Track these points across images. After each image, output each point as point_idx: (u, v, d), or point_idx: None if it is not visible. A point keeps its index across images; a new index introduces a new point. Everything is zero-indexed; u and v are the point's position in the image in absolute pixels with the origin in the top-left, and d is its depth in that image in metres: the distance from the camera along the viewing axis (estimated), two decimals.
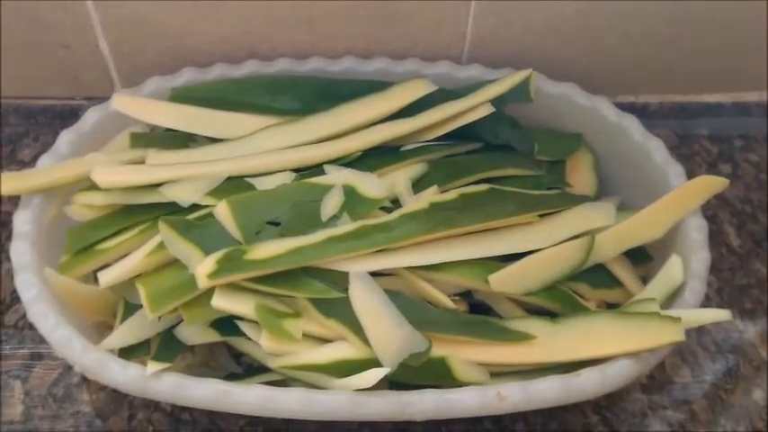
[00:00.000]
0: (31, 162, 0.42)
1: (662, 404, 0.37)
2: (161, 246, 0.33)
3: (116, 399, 0.36)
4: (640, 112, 0.41)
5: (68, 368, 0.37)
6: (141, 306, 0.32)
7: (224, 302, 0.31)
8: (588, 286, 0.36)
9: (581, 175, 0.40)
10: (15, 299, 0.39)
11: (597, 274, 0.36)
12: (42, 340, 0.36)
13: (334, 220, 0.33)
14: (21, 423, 0.36)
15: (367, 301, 0.32)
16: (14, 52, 0.42)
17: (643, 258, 0.37)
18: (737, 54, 0.44)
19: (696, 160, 0.46)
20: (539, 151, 0.39)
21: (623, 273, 0.36)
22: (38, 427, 0.35)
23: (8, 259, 0.39)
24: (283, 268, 0.31)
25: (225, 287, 0.31)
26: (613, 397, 0.37)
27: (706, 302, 0.40)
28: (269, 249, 0.32)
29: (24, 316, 0.38)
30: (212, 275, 0.31)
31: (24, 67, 0.43)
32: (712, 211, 0.44)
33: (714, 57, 0.44)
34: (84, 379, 0.37)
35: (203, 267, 0.31)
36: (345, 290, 0.32)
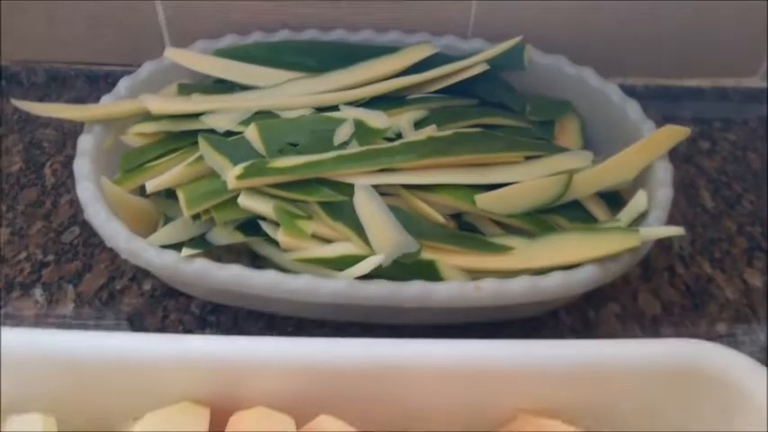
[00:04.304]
0: None
1: (633, 333, 0.41)
2: (198, 159, 0.39)
3: (152, 303, 0.42)
4: (628, 93, 0.46)
5: (112, 278, 0.43)
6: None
7: (249, 202, 0.37)
8: (565, 220, 0.40)
9: (568, 138, 0.45)
10: (71, 222, 0.46)
11: (574, 210, 0.41)
12: (91, 254, 0.43)
13: (344, 145, 0.39)
14: (72, 318, 0.41)
15: (369, 207, 0.37)
16: (84, 22, 0.50)
17: (617, 202, 0.42)
18: (717, 43, 0.50)
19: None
20: (530, 111, 0.45)
21: (597, 210, 0.41)
22: (86, 323, 0.41)
23: (67, 191, 0.46)
24: (299, 177, 0.37)
25: (249, 191, 0.37)
26: None
27: (677, 255, 0.45)
28: (288, 162, 0.38)
29: (79, 235, 0.45)
30: (240, 177, 0.37)
31: (91, 36, 0.51)
32: (691, 179, 0.49)
33: (696, 44, 0.50)
34: (126, 287, 0.43)
35: (233, 172, 0.37)
36: (351, 198, 0.37)
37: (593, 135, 0.46)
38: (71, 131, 0.51)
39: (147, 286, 0.43)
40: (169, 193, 0.41)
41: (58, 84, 0.53)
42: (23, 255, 0.44)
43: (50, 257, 0.44)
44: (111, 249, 0.42)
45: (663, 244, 0.45)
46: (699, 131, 0.51)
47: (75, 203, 0.46)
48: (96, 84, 0.53)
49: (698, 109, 0.52)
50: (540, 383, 0.33)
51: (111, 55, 0.52)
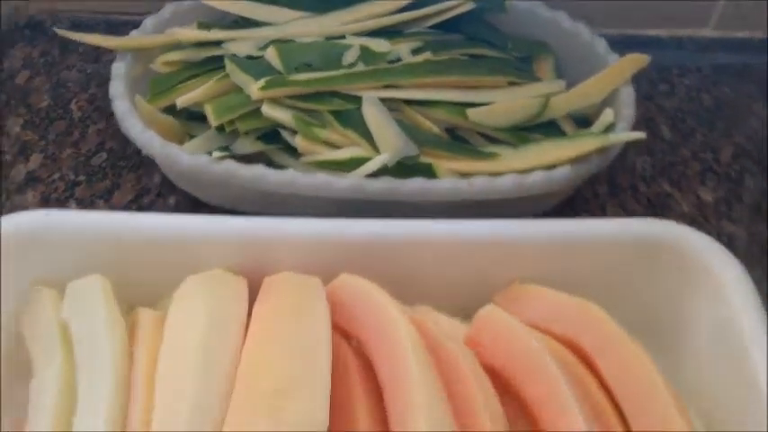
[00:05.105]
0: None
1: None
2: (222, 79, 0.44)
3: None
4: None
5: (140, 194, 0.48)
6: None
7: (271, 111, 0.42)
8: (543, 137, 0.46)
9: (544, 72, 0.51)
10: (99, 149, 0.50)
11: (551, 129, 0.47)
12: (119, 175, 0.47)
13: (351, 66, 0.45)
14: None
15: (376, 116, 0.43)
16: None
17: (587, 126, 0.48)
18: None
19: (641, 82, 0.57)
20: (511, 48, 0.51)
21: (570, 129, 0.47)
22: None
23: (94, 123, 0.51)
24: (315, 90, 0.43)
25: (270, 102, 0.43)
26: None
27: (640, 176, 0.51)
28: (304, 77, 0.43)
29: (106, 159, 0.50)
30: (263, 89, 0.42)
31: None
32: (651, 115, 0.55)
33: None
34: (152, 201, 0.48)
35: (257, 84, 0.42)
36: (359, 110, 0.43)
37: (566, 71, 0.52)
38: (94, 73, 0.55)
39: (171, 201, 0.48)
40: (191, 116, 0.46)
41: (81, 31, 0.58)
42: (57, 175, 0.49)
43: (82, 178, 0.49)
44: (137, 170, 0.48)
45: (627, 166, 0.51)
46: (658, 76, 0.58)
47: (101, 133, 0.51)
48: (116, 31, 0.57)
49: (657, 57, 0.58)
50: (528, 256, 0.38)
51: (131, 4, 0.57)
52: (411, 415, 0.29)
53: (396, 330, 0.31)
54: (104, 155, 0.50)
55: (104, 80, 0.53)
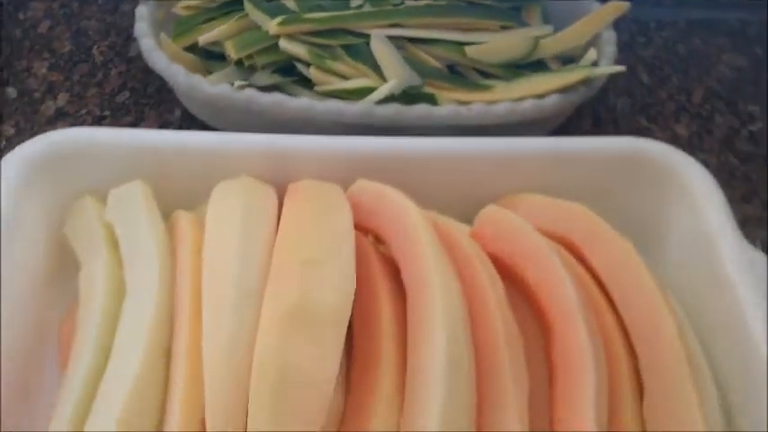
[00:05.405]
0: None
1: None
2: (241, 18, 0.48)
3: None
4: None
5: (162, 126, 0.52)
6: None
7: (287, 45, 0.46)
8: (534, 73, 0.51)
9: (533, 22, 0.56)
10: (122, 88, 0.54)
11: (540, 68, 0.51)
12: (142, 111, 0.51)
13: (360, 6, 0.49)
14: None
15: (383, 50, 0.47)
16: None
17: None
18: None
19: (622, 35, 0.62)
20: None
21: (557, 67, 0.51)
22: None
23: (115, 66, 0.55)
24: (327, 27, 0.47)
25: (287, 37, 0.47)
26: None
27: (620, 114, 0.55)
28: (317, 15, 0.47)
29: (129, 97, 0.54)
30: (280, 24, 0.46)
31: None
32: (631, 62, 0.60)
33: None
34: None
35: (275, 20, 0.46)
36: (367, 44, 0.47)
37: (552, 20, 0.56)
38: (113, 23, 0.59)
39: None
40: (209, 55, 0.50)
41: None
42: (84, 111, 0.52)
43: (107, 113, 0.52)
44: (158, 107, 0.52)
45: (609, 105, 0.56)
46: (637, 30, 0.62)
47: (123, 75, 0.55)
48: None
49: (637, 12, 0.63)
50: (523, 170, 0.42)
51: None
52: (428, 293, 0.33)
53: (411, 222, 0.35)
54: (127, 93, 0.54)
55: (123, 29, 0.58)
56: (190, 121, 0.51)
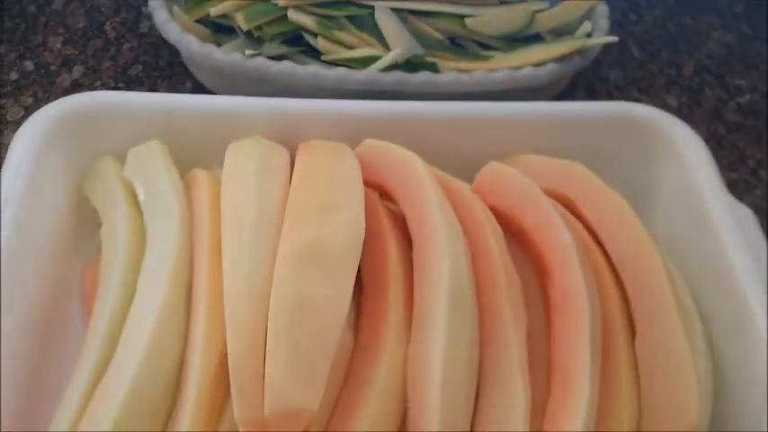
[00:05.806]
0: None
1: None
2: None
3: None
4: None
5: None
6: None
7: (295, 16, 0.49)
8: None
9: None
10: (134, 62, 0.56)
11: (537, 41, 0.53)
12: (155, 83, 0.53)
13: None
14: None
15: (387, 21, 0.49)
16: None
17: None
18: None
19: (615, 13, 0.64)
20: None
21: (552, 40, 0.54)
22: None
23: (128, 41, 0.57)
24: None
25: (295, 8, 0.49)
26: None
27: (613, 85, 0.58)
28: None
29: (142, 70, 0.56)
30: None
31: None
32: (623, 38, 0.62)
33: None
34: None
35: None
36: (372, 15, 0.49)
37: None
38: (123, 1, 0.61)
39: None
40: (218, 29, 0.52)
41: None
42: (98, 83, 0.55)
43: (121, 85, 0.55)
44: (170, 79, 0.54)
45: (602, 77, 0.58)
46: (629, 7, 0.65)
47: (135, 50, 0.57)
48: None
49: None
50: (519, 133, 0.45)
51: None
52: (433, 236, 0.35)
53: (417, 173, 0.38)
54: (140, 66, 0.56)
55: (134, 7, 0.60)
56: (201, 93, 0.53)
